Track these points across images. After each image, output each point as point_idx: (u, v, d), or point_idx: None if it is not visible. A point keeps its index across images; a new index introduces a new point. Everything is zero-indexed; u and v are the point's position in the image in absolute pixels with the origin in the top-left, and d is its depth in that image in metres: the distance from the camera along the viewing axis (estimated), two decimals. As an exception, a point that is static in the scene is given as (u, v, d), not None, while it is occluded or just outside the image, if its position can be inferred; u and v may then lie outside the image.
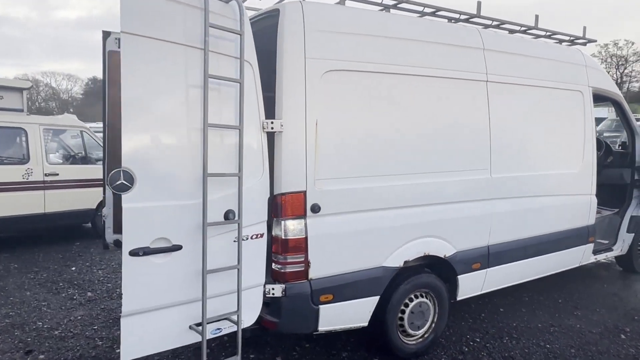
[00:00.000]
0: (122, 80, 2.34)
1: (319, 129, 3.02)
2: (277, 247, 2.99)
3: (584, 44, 4.97)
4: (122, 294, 2.39)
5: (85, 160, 7.79)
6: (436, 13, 3.82)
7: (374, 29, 3.30)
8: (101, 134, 5.05)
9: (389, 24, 3.45)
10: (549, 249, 4.51)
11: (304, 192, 2.99)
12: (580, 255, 4.92)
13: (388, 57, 3.31)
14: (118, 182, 2.33)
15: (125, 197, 2.36)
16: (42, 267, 6.13)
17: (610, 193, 5.48)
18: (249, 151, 2.81)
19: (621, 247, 5.47)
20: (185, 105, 2.58)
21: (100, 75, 4.89)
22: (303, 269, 3.04)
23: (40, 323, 4.29)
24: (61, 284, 5.42)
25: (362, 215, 3.26)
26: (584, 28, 4.84)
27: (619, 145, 6.15)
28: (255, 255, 2.89)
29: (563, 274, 4.92)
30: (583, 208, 4.80)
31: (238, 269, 2.70)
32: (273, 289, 2.97)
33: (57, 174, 7.20)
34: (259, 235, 2.91)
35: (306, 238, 3.01)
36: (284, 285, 2.99)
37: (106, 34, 4.09)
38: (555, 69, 4.49)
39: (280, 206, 2.95)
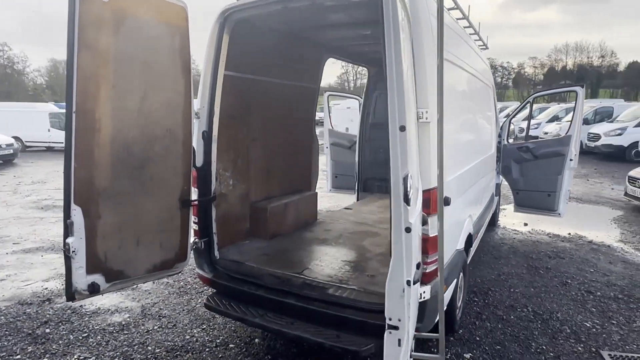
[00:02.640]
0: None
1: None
2: (423, 246, 2.77)
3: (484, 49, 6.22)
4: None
5: None
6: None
7: (454, 24, 3.38)
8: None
9: (457, 25, 3.62)
10: (487, 214, 5.59)
11: (442, 185, 2.86)
12: (490, 216, 6.27)
13: (461, 53, 3.46)
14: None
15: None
16: None
17: None
18: (414, 145, 2.48)
19: (494, 207, 7.21)
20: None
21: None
22: (438, 265, 2.91)
23: None
24: None
25: (458, 201, 3.34)
26: (487, 37, 6.05)
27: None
28: (420, 259, 2.61)
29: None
30: (494, 180, 6.13)
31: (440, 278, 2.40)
32: (424, 292, 2.75)
33: None
34: (420, 237, 2.63)
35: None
36: (430, 286, 2.80)
37: (76, -30, 2.64)
38: (487, 68, 5.53)
39: (429, 202, 2.72)
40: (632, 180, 8.63)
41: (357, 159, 7.09)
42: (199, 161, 3.63)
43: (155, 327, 4.05)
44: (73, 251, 2.86)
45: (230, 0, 3.53)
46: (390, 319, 1.83)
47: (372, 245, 4.30)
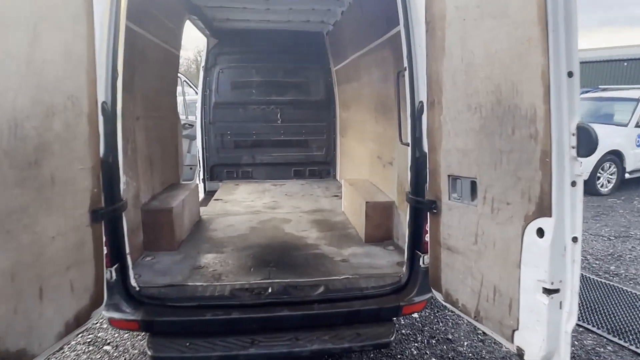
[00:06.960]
0: None
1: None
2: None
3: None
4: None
5: None
6: None
7: None
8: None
9: None
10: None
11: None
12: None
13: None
14: None
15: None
16: None
17: None
18: None
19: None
20: None
21: None
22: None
23: None
24: None
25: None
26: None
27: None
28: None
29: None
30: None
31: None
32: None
33: None
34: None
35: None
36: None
37: None
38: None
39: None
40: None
41: (200, 144, 6.18)
42: (101, 148, 2.34)
43: None
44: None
45: None
46: (552, 283, 1.67)
47: (298, 231, 3.86)
